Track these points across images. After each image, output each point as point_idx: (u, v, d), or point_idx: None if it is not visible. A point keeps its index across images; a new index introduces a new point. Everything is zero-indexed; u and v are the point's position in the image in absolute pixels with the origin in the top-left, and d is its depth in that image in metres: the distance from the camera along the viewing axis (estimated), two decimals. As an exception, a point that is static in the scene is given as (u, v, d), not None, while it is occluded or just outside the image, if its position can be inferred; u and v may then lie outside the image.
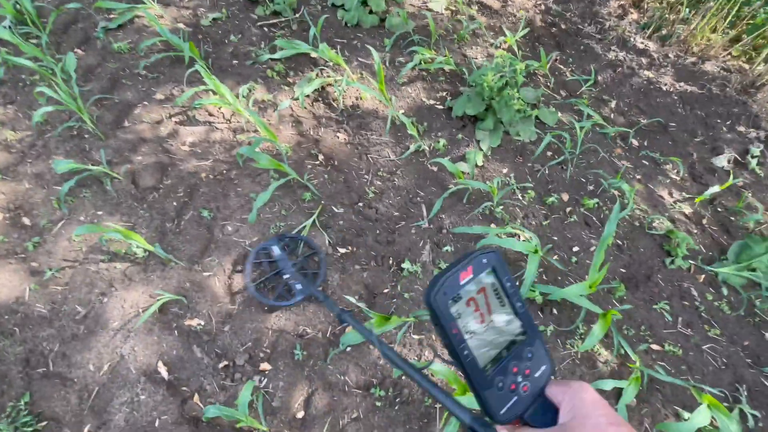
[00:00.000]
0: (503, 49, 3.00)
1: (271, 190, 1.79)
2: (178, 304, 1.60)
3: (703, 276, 2.06)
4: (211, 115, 2.24)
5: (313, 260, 1.77)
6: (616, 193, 2.29)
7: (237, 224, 1.85)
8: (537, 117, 2.49)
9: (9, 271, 1.60)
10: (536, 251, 1.70)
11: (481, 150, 2.28)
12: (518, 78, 2.22)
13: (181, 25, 2.65)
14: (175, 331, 1.53)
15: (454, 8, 3.24)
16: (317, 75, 2.50)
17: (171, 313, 1.57)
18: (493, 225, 2.00)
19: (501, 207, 2.06)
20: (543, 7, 3.50)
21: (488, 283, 0.47)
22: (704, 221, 2.32)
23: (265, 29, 2.75)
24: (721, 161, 2.66)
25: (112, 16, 2.61)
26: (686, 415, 1.57)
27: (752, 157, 2.69)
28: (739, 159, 2.70)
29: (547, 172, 2.29)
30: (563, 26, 3.38)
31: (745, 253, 2.09)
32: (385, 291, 1.75)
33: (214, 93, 2.17)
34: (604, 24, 3.52)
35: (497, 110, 2.26)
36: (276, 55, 2.49)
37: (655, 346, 1.78)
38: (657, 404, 1.62)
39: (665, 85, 3.10)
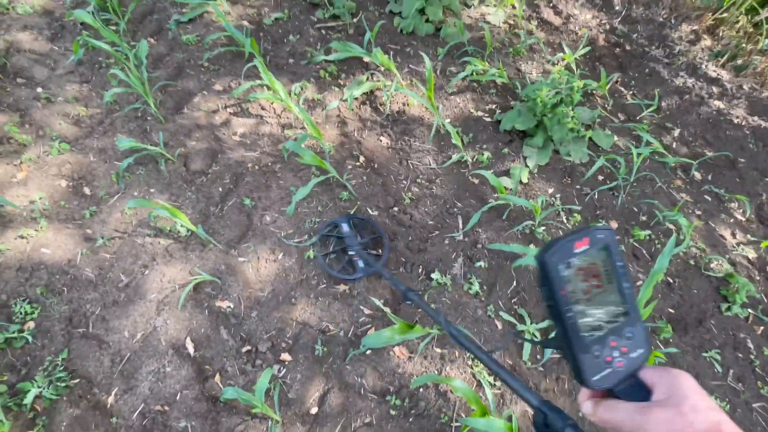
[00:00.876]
0: (561, 65, 2.91)
1: (311, 185, 1.82)
2: (212, 284, 1.65)
3: (762, 328, 1.86)
4: (263, 109, 2.33)
5: (377, 242, 1.85)
6: (671, 227, 2.13)
7: (275, 215, 1.89)
8: (591, 138, 2.37)
9: (65, 235, 1.73)
10: (576, 278, 1.60)
11: (527, 167, 2.21)
12: (575, 96, 2.13)
13: (245, 23, 2.78)
14: (206, 311, 1.58)
15: (512, 22, 3.19)
16: (368, 78, 2.53)
17: (204, 292, 1.63)
18: (532, 245, 1.92)
19: (543, 228, 1.97)
20: (608, 26, 3.36)
21: (600, 259, 0.48)
22: (771, 268, 2.10)
23: (323, 31, 2.83)
24: (797, 205, 2.41)
25: (184, 10, 2.78)
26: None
27: (835, 204, 2.41)
28: (819, 205, 2.43)
29: (596, 196, 2.17)
30: (628, 47, 3.22)
31: (818, 310, 1.87)
32: (412, 299, 1.72)
33: (269, 88, 2.25)
34: (673, 48, 3.32)
35: (548, 127, 2.18)
36: (330, 57, 2.55)
37: (701, 398, 1.62)
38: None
39: (737, 117, 2.86)
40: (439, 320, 0.90)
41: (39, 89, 2.27)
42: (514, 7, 3.20)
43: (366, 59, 2.66)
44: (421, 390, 1.48)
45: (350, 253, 1.71)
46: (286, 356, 1.51)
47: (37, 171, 1.91)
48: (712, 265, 2.03)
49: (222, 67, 2.50)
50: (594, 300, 0.48)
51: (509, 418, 1.42)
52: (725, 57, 3.23)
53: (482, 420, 1.18)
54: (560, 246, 0.46)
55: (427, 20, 2.95)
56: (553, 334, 0.51)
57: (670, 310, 1.89)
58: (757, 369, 1.71)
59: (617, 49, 3.20)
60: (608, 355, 0.48)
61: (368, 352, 1.54)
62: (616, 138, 2.48)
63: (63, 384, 1.39)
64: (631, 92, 2.91)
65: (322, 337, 1.57)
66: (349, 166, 2.15)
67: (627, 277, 0.49)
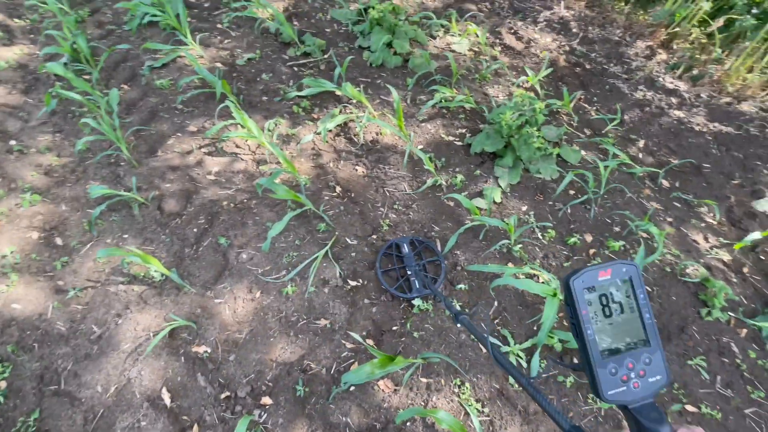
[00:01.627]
0: (525, 88, 3.03)
1: (286, 220, 1.83)
2: (188, 329, 1.61)
3: (744, 330, 1.88)
4: (237, 147, 2.35)
5: (434, 265, 1.92)
6: (643, 235, 2.18)
7: (252, 252, 1.88)
8: (559, 155, 2.45)
9: (37, 288, 1.69)
10: (555, 294, 1.61)
11: (500, 186, 2.25)
12: (538, 116, 2.21)
13: (218, 64, 2.86)
14: (182, 357, 1.54)
15: (477, 49, 3.33)
16: (340, 111, 2.59)
17: (180, 338, 1.59)
18: (510, 264, 1.93)
19: (519, 246, 1.99)
20: (567, 48, 3.53)
21: (621, 288, 0.54)
22: (745, 270, 2.15)
23: (295, 69, 2.91)
24: (763, 205, 2.49)
25: (157, 56, 2.85)
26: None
27: (798, 202, 2.50)
28: (784, 204, 2.52)
29: (569, 211, 2.22)
30: (588, 66, 3.38)
31: (793, 307, 1.90)
32: (394, 329, 1.71)
33: (242, 126, 2.29)
34: (630, 64, 3.49)
35: (516, 148, 2.24)
36: (303, 93, 2.62)
37: (690, 407, 1.61)
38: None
39: (698, 125, 2.99)
40: (486, 345, 0.93)
41: (12, 141, 2.26)
42: (477, 35, 3.35)
43: (338, 93, 2.73)
44: (408, 424, 1.45)
45: (408, 272, 1.80)
46: (266, 400, 1.47)
47: (8, 224, 1.88)
48: (688, 271, 2.06)
49: (195, 109, 2.54)
50: (614, 324, 0.54)
51: (498, 446, 1.39)
52: (681, 69, 3.41)
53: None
54: (585, 272, 0.54)
55: (395, 53, 3.06)
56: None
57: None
58: (745, 373, 1.72)
59: (578, 68, 3.35)
60: (624, 374, 0.52)
61: (352, 388, 1.51)
62: (583, 153, 2.56)
63: (31, 449, 1.33)
64: (594, 108, 3.03)
65: (303, 377, 1.53)
66: (326, 197, 2.17)
67: (649, 309, 0.55)
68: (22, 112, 2.45)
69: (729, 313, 1.92)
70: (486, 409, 1.51)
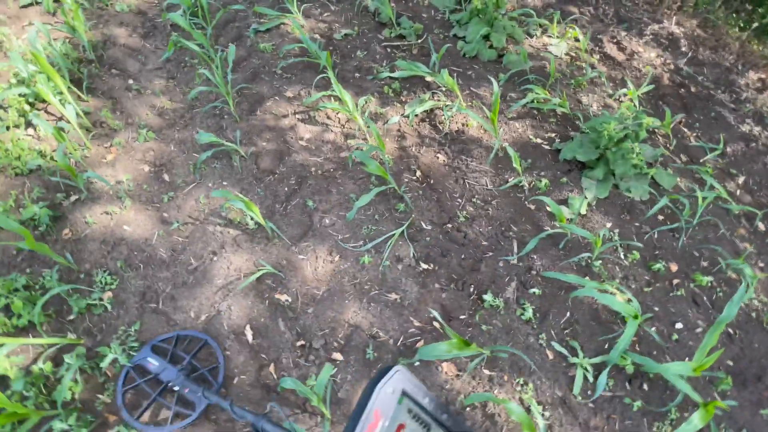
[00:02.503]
0: (622, 101, 2.89)
1: (373, 193, 1.89)
2: (273, 277, 1.73)
3: (836, 397, 1.73)
4: (328, 118, 2.44)
5: (203, 358, 1.49)
6: (733, 276, 2.04)
7: (334, 218, 1.96)
8: (653, 177, 2.33)
9: (145, 216, 1.86)
10: (636, 317, 1.57)
11: (586, 198, 2.19)
12: (641, 132, 2.11)
13: (317, 36, 2.95)
14: (266, 302, 1.65)
15: (574, 54, 3.21)
16: (430, 97, 2.61)
17: (266, 284, 1.70)
18: (588, 278, 1.89)
19: (599, 261, 1.94)
20: (672, 66, 3.31)
21: (406, 415, 0.43)
22: None
23: (388, 50, 2.95)
24: None
25: (263, 20, 2.99)
26: None
27: None
28: None
29: (656, 236, 2.12)
30: (693, 89, 3.16)
31: None
32: (462, 317, 1.73)
33: (337, 99, 2.37)
34: (740, 94, 3.23)
35: (611, 161, 2.16)
36: (395, 74, 2.66)
37: (762, 461, 1.52)
38: None
39: (809, 170, 2.73)
40: None
41: (130, 81, 2.48)
42: (577, 40, 3.22)
43: (428, 79, 2.74)
44: (468, 409, 1.48)
45: (176, 389, 1.32)
46: (337, 356, 1.55)
47: (124, 155, 2.08)
48: (778, 321, 1.92)
49: (294, 76, 2.65)
50: None
51: (558, 451, 1.39)
52: (798, 107, 3.11)
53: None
54: None
55: (490, 46, 3.02)
56: None
57: (729, 362, 1.80)
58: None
59: (682, 89, 3.15)
60: None
61: (417, 363, 1.56)
62: (678, 179, 2.42)
63: (134, 353, 1.49)
64: (695, 134, 2.84)
65: (373, 342, 1.60)
66: (406, 179, 2.21)
67: (442, 408, 0.46)
68: (140, 55, 2.67)
69: (820, 375, 1.77)
70: (547, 413, 1.51)
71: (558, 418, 1.50)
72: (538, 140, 2.49)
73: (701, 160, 2.65)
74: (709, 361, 1.45)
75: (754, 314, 1.96)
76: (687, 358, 1.71)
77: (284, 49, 2.71)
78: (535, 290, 1.82)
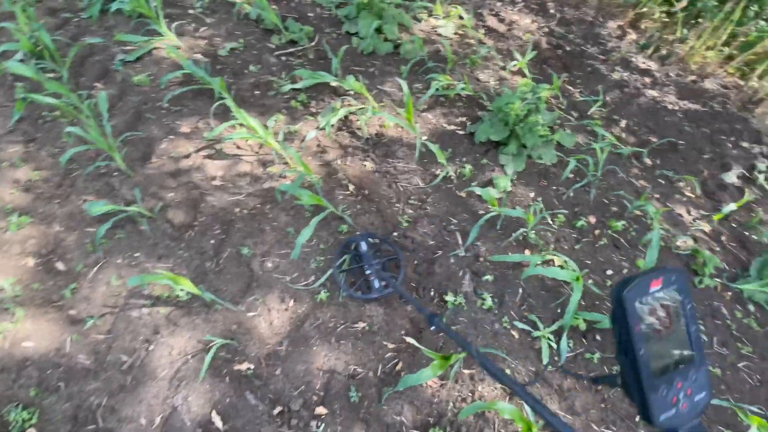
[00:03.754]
0: (512, 71, 3.08)
1: (313, 225, 1.78)
2: (225, 348, 1.56)
3: (729, 293, 2.11)
4: (239, 148, 2.23)
5: (393, 264, 1.86)
6: (639, 213, 2.34)
7: (276, 260, 1.83)
8: (557, 140, 2.54)
9: (47, 321, 1.55)
10: (578, 279, 1.72)
11: (506, 174, 2.32)
12: (541, 105, 2.27)
13: (199, 56, 2.65)
14: (227, 378, 1.49)
15: (462, 32, 3.32)
16: (341, 104, 2.51)
17: (220, 358, 1.54)
18: (527, 251, 2.02)
19: (533, 232, 2.08)
20: (547, 29, 3.60)
21: (672, 299, 0.49)
22: (723, 238, 2.38)
23: (283, 58, 2.76)
24: (731, 177, 2.75)
25: (129, 48, 2.59)
26: (736, 437, 1.59)
27: (759, 172, 2.79)
28: (747, 174, 2.80)
29: (572, 194, 2.33)
30: (568, 48, 3.48)
31: (765, 270, 2.15)
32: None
33: (243, 126, 2.16)
34: (606, 45, 3.64)
35: (521, 136, 2.30)
36: (298, 86, 2.51)
37: (695, 368, 1.81)
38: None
39: (670, 103, 3.21)
40: (470, 350, 0.89)
41: (-27, 156, 2.00)
42: (461, 17, 3.33)
43: (333, 84, 2.64)
44: (459, 417, 1.51)
45: (367, 272, 1.71)
46: (321, 410, 1.47)
47: (-6, 253, 1.69)
48: (678, 244, 2.26)
49: (184, 107, 2.36)
50: (664, 340, 0.49)
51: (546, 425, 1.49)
52: (651, 49, 3.61)
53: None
54: (637, 282, 0.48)
55: (385, 39, 2.98)
56: (608, 373, 0.53)
57: (652, 290, 2.08)
58: (734, 332, 1.95)
59: (559, 50, 3.45)
60: (674, 395, 0.49)
61: (401, 387, 1.54)
62: (576, 137, 2.68)
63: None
64: (578, 90, 3.15)
65: (354, 382, 1.54)
66: (340, 196, 2.13)
67: (695, 320, 0.51)
68: (-23, 119, 2.16)
69: (716, 279, 2.14)
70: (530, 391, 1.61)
71: (536, 392, 1.61)
72: (452, 127, 2.55)
73: (589, 113, 2.95)
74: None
75: (662, 243, 2.27)
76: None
77: (165, 79, 2.39)
78: (488, 277, 1.90)
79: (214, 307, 1.64)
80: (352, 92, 2.60)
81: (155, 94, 2.38)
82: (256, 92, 2.53)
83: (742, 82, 3.51)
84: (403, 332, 1.69)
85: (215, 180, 2.08)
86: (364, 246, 1.78)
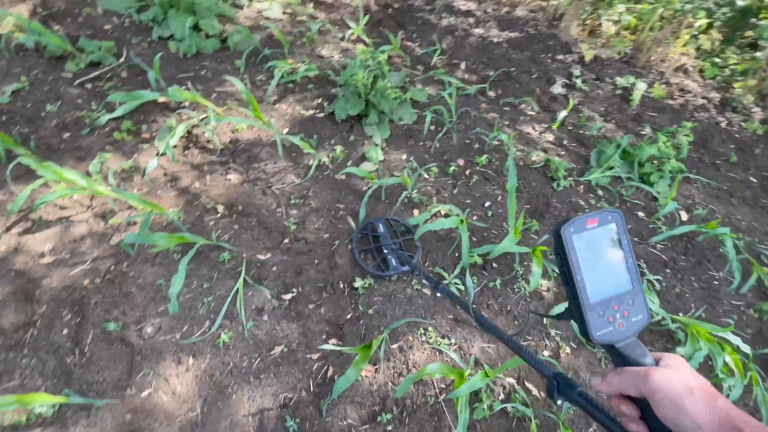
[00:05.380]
0: (352, 40, 3.04)
1: (183, 268, 1.56)
2: (127, 443, 1.32)
3: (581, 186, 2.48)
4: (63, 208, 1.83)
5: (409, 244, 1.94)
6: (497, 143, 2.57)
7: (156, 321, 1.58)
8: (411, 98, 2.61)
9: None
10: (462, 222, 1.83)
11: (376, 144, 2.32)
12: (384, 68, 2.28)
13: (-36, 111, 2.06)
14: (140, 476, 1.27)
15: (290, 11, 3.15)
16: (178, 119, 2.21)
17: (123, 458, 1.29)
18: (416, 211, 2.08)
19: (415, 191, 2.14)
20: (371, -10, 3.62)
21: (608, 235, 0.57)
22: (565, 142, 2.76)
23: (88, 86, 2.31)
24: (557, 88, 3.18)
25: None
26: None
27: (575, 77, 3.26)
28: (568, 82, 3.26)
29: (438, 145, 2.45)
30: (396, 5, 3.56)
31: (602, 158, 2.57)
32: (349, 317, 1.71)
33: (57, 182, 1.76)
34: (428, -5, 3.80)
35: (376, 104, 2.31)
36: (117, 113, 2.12)
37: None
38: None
39: (495, 37, 3.53)
40: (468, 310, 0.97)
41: None
42: (284, -5, 3.15)
43: (161, 100, 2.30)
44: (396, 396, 1.53)
45: (384, 251, 1.82)
46: (262, 454, 1.35)
47: None
48: (534, 159, 2.55)
49: (-34, 182, 1.83)
50: (601, 270, 0.57)
51: (476, 362, 1.60)
52: (465, -9, 3.87)
53: (465, 386, 1.30)
54: (575, 221, 0.56)
55: (207, 36, 2.67)
56: (562, 308, 0.59)
57: (527, 206, 2.34)
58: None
59: (389, 9, 3.50)
60: (611, 315, 0.56)
61: (336, 396, 1.49)
62: (427, 90, 2.79)
63: None
64: (417, 44, 3.27)
65: (287, 411, 1.44)
66: (211, 222, 1.91)
67: (632, 254, 0.58)
68: None
69: (569, 179, 2.48)
70: (452, 340, 1.69)
71: (461, 336, 1.71)
72: (310, 112, 2.45)
73: (432, 64, 3.10)
74: (520, 221, 1.83)
75: (521, 163, 2.54)
76: (505, 224, 2.13)
77: None
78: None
79: (94, 408, 1.36)
80: (186, 104, 2.30)
81: None
82: (65, 135, 2.08)
83: (545, 3, 4.01)
84: (324, 337, 1.62)
85: (44, 257, 1.68)
86: (381, 228, 1.89)
